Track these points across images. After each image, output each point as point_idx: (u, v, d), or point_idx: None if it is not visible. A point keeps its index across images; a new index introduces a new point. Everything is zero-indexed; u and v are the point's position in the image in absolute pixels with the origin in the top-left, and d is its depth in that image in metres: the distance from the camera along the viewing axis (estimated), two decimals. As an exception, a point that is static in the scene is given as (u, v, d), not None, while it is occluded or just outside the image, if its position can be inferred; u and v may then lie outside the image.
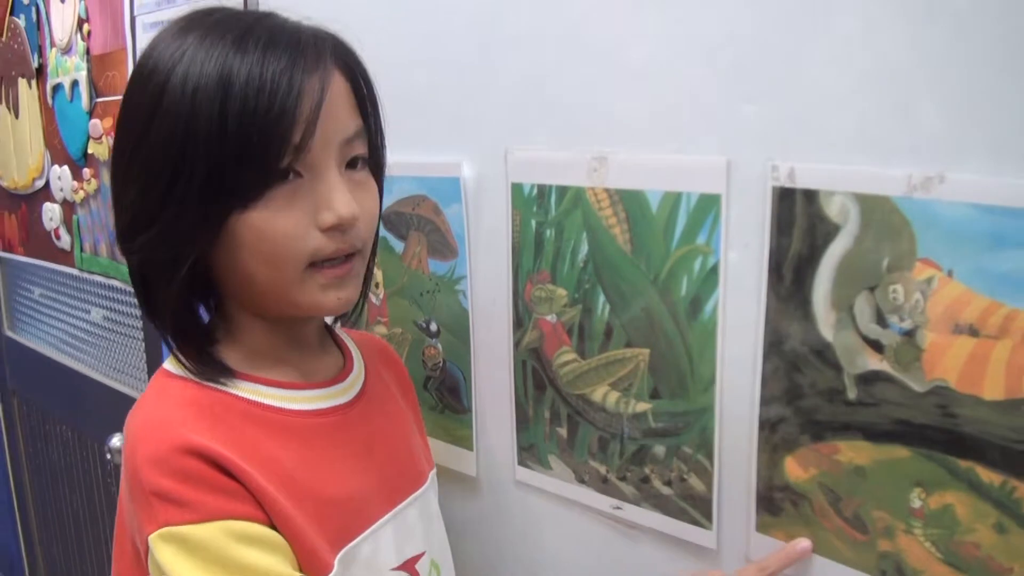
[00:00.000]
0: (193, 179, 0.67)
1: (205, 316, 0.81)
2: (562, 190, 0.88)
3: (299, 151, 0.69)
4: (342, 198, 0.71)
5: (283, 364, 0.80)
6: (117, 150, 0.73)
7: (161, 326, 0.77)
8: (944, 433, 0.67)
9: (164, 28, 0.73)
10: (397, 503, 0.83)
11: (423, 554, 0.85)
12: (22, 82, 1.89)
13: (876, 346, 0.69)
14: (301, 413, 0.78)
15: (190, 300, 0.77)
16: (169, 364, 0.78)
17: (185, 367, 0.76)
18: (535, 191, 0.91)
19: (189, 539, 0.66)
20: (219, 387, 0.75)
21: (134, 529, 0.71)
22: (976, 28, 0.61)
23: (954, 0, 0.62)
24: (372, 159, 0.78)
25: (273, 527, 0.71)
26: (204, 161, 0.67)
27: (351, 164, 0.74)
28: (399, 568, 0.82)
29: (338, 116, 0.72)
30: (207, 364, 0.76)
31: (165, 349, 0.81)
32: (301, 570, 0.71)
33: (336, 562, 0.74)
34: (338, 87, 0.72)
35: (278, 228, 0.70)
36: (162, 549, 0.67)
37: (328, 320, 0.90)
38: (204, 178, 0.67)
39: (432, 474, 0.92)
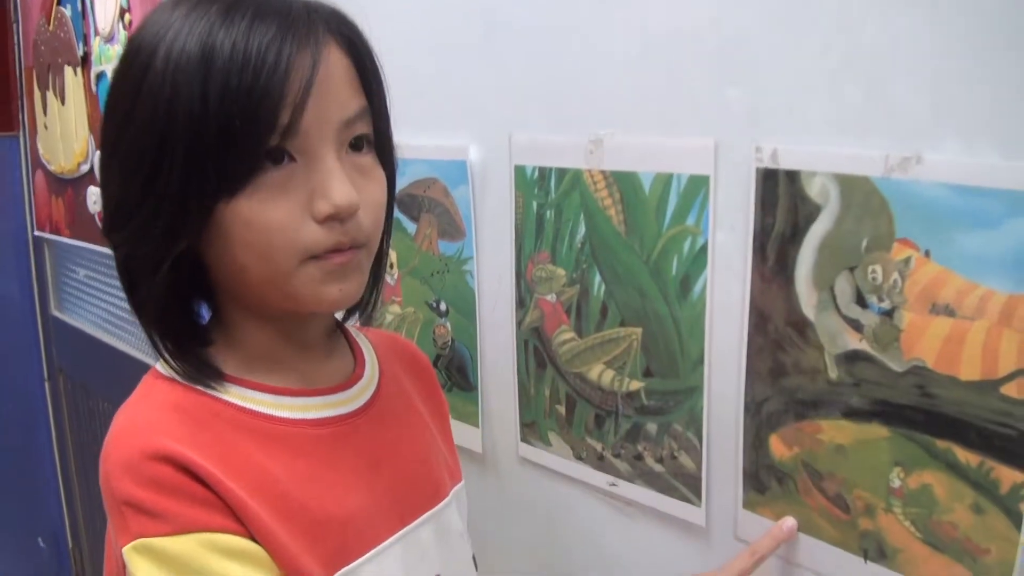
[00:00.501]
0: (175, 165, 0.61)
1: (207, 317, 0.75)
2: (561, 172, 0.90)
3: (288, 133, 0.62)
4: (340, 186, 0.63)
5: (282, 368, 0.73)
6: (103, 137, 0.68)
7: (146, 324, 0.70)
8: (922, 413, 0.67)
9: (155, 7, 0.67)
10: (408, 522, 0.76)
11: None
12: (68, 70, 1.96)
13: (856, 326, 0.70)
14: (297, 422, 0.71)
15: (184, 298, 0.71)
16: (160, 365, 0.71)
17: (173, 368, 0.69)
18: (536, 173, 0.93)
19: (164, 552, 0.62)
20: (209, 391, 0.69)
21: (112, 539, 0.66)
22: (951, 13, 0.62)
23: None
24: (379, 143, 0.70)
25: (255, 542, 0.65)
26: (186, 146, 0.61)
27: (354, 147, 0.67)
28: None
29: (336, 95, 0.65)
30: (195, 366, 0.69)
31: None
32: None
33: None
34: (336, 63, 0.65)
35: (269, 219, 0.63)
36: (136, 563, 0.62)
37: (341, 317, 0.83)
38: (186, 164, 0.61)
39: (456, 489, 0.83)
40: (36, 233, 2.33)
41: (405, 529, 0.75)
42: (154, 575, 0.61)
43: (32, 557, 2.52)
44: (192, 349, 0.70)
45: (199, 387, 0.69)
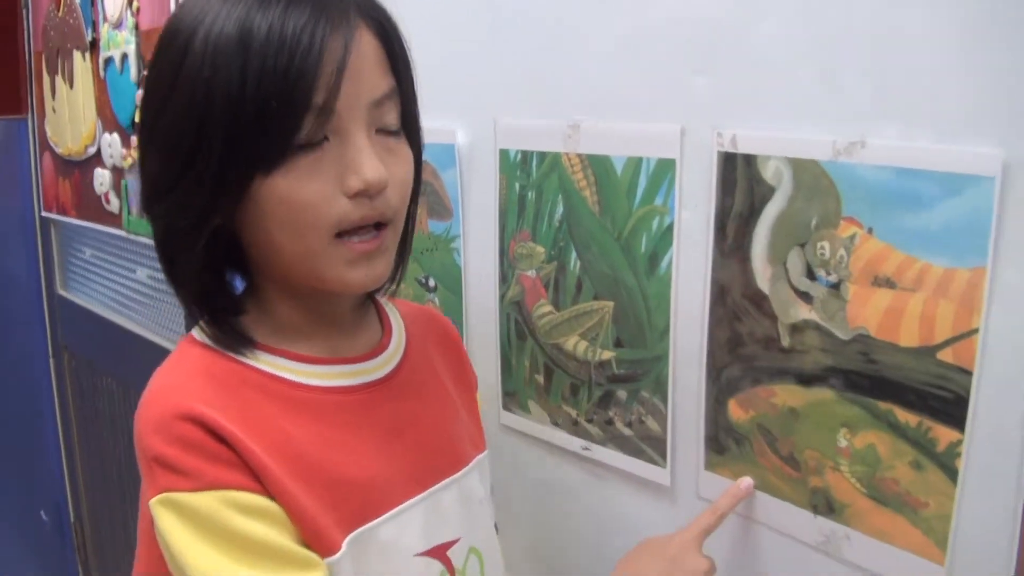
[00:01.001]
0: (214, 144, 0.64)
1: (241, 288, 0.79)
2: (542, 155, 0.96)
3: (323, 114, 0.65)
4: (369, 162, 0.66)
5: (310, 338, 0.76)
6: (142, 115, 0.71)
7: (183, 295, 0.74)
8: (866, 378, 0.73)
9: None
10: (429, 486, 0.78)
11: (457, 540, 0.81)
12: (77, 55, 2.01)
13: (806, 298, 0.76)
14: (322, 389, 0.75)
15: (218, 270, 0.75)
16: (195, 331, 0.75)
17: (207, 335, 0.74)
18: (519, 156, 0.98)
19: (186, 507, 0.65)
20: (239, 358, 0.73)
21: (143, 494, 0.70)
22: (892, 8, 0.67)
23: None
24: (407, 123, 0.73)
25: (274, 502, 0.68)
26: (224, 125, 0.64)
27: (383, 128, 0.70)
28: (425, 554, 0.78)
29: (366, 76, 0.67)
30: (228, 333, 0.73)
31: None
32: (304, 546, 0.69)
33: (345, 543, 0.71)
34: (367, 45, 0.67)
35: (303, 195, 0.66)
36: (161, 515, 0.66)
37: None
38: (224, 143, 0.64)
39: (479, 458, 0.86)
40: (43, 214, 2.38)
41: (425, 493, 0.78)
42: (177, 527, 0.65)
43: (34, 529, 2.59)
44: (225, 318, 0.74)
45: (230, 353, 0.73)
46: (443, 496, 0.80)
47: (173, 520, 0.65)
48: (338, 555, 0.70)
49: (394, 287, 0.82)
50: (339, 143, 0.66)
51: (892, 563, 0.74)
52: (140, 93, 1.75)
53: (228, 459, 0.67)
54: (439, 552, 0.79)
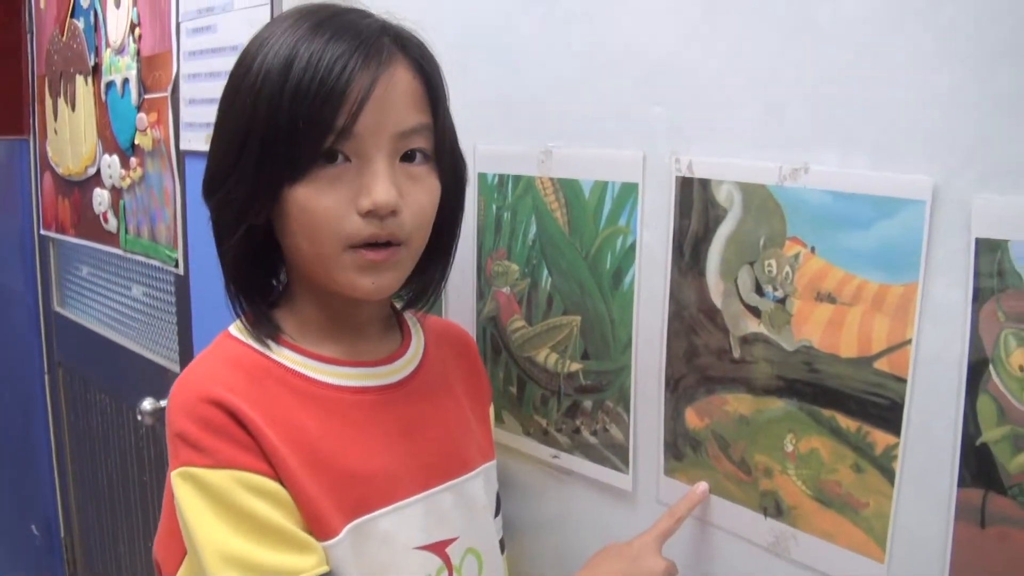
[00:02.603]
0: (252, 150, 0.73)
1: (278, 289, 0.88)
2: (517, 179, 1.02)
3: (343, 135, 0.72)
4: (382, 186, 0.73)
5: (331, 340, 0.83)
6: (215, 121, 0.80)
7: (225, 275, 0.82)
8: (810, 386, 0.78)
9: (276, 17, 0.82)
10: (431, 486, 0.84)
11: (456, 539, 0.86)
12: (79, 78, 2.08)
13: (755, 312, 0.81)
14: (339, 388, 0.82)
15: (261, 262, 0.83)
16: (232, 327, 0.84)
17: (241, 325, 0.82)
18: (496, 180, 1.04)
19: (203, 481, 0.73)
20: (267, 353, 0.81)
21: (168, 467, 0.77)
22: (828, 44, 0.73)
23: (815, 14, 0.74)
24: (440, 155, 0.80)
25: (282, 486, 0.75)
26: (262, 135, 0.73)
27: (407, 157, 0.77)
28: (425, 548, 0.84)
29: (395, 108, 0.75)
30: (261, 323, 0.82)
31: (211, 322, 0.88)
32: (305, 530, 0.75)
33: (346, 530, 0.77)
34: (401, 81, 0.75)
35: (320, 206, 0.74)
36: (180, 486, 0.74)
37: (401, 306, 0.94)
38: (260, 150, 0.73)
39: (485, 467, 0.92)
40: (42, 232, 2.44)
41: (427, 492, 0.84)
42: (191, 498, 0.73)
43: (25, 543, 2.61)
44: (259, 305, 0.83)
45: (259, 348, 0.81)
46: (444, 497, 0.86)
47: (189, 491, 0.73)
48: (336, 539, 0.76)
49: (427, 305, 0.91)
50: (359, 165, 0.74)
51: (836, 562, 0.78)
52: (140, 116, 1.82)
53: (245, 442, 0.74)
54: (438, 548, 0.85)
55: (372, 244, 0.76)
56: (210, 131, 0.81)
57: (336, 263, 0.76)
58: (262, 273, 0.85)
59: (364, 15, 0.78)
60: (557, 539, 1.05)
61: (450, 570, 0.86)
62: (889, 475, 0.73)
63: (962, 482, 0.69)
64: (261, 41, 0.76)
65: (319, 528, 0.76)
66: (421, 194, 0.78)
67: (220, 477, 0.73)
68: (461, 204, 0.88)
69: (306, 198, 0.74)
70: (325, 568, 0.75)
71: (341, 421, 0.81)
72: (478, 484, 0.90)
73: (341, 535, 0.77)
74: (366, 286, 0.77)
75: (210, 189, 0.80)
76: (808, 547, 0.80)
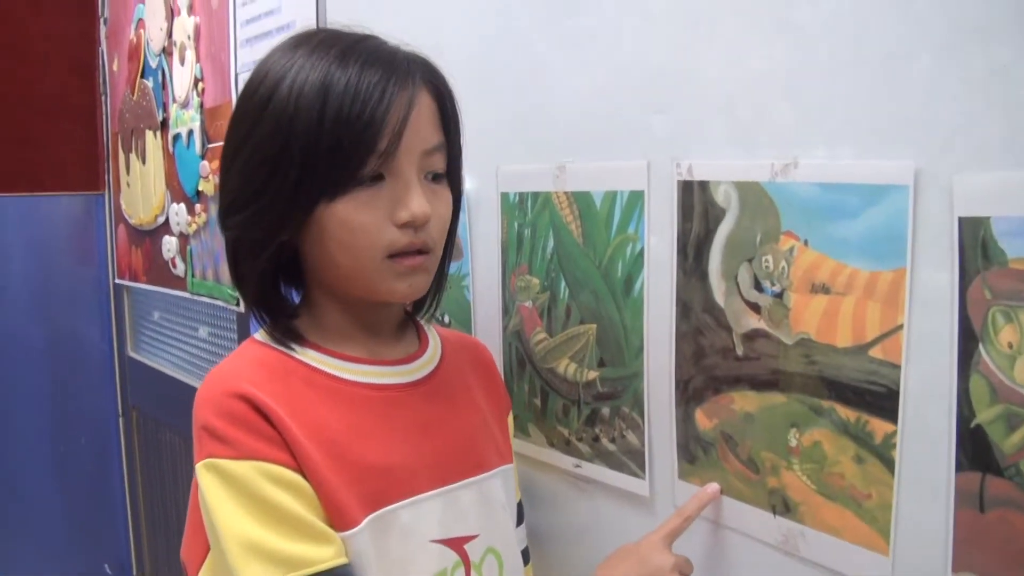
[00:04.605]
0: (290, 171, 0.77)
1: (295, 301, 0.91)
2: (536, 195, 1.05)
3: (384, 156, 0.77)
4: (417, 199, 0.79)
5: (353, 342, 0.87)
6: (226, 143, 0.84)
7: (245, 296, 0.87)
8: (810, 379, 0.79)
9: (275, 46, 0.84)
10: (449, 483, 0.87)
11: (475, 537, 0.88)
12: (149, 133, 2.21)
13: (755, 308, 0.83)
14: (357, 384, 0.85)
15: (277, 279, 0.87)
16: (258, 334, 0.88)
17: (266, 332, 0.86)
18: (517, 198, 1.08)
19: (227, 472, 0.75)
20: (290, 353, 0.84)
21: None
22: (811, 43, 0.76)
23: (796, 15, 0.77)
24: (451, 172, 0.86)
25: (304, 477, 0.78)
26: (301, 156, 0.76)
27: (430, 173, 0.83)
28: (442, 542, 0.86)
29: (422, 129, 0.80)
30: (282, 331, 0.86)
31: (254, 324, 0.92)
32: (326, 520, 0.78)
33: (367, 521, 0.80)
34: (425, 104, 0.81)
35: (360, 221, 0.78)
36: (204, 477, 0.77)
37: (412, 313, 0.97)
38: (299, 170, 0.77)
39: (504, 468, 0.94)
40: (117, 281, 2.57)
41: (445, 488, 0.87)
42: (214, 488, 0.76)
43: (99, 583, 2.71)
44: (281, 318, 0.87)
45: (282, 348, 0.85)
46: (462, 494, 0.88)
47: (213, 481, 0.76)
48: (356, 529, 0.79)
49: (431, 313, 0.96)
50: (394, 182, 0.80)
51: (843, 557, 0.78)
52: (203, 163, 1.92)
53: (268, 435, 0.77)
54: (456, 544, 0.87)
55: (406, 255, 0.81)
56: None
57: (376, 273, 0.81)
58: (277, 286, 0.89)
59: (384, 44, 0.83)
60: (582, 548, 1.06)
61: (467, 566, 0.87)
62: (889, 464, 0.73)
63: (959, 466, 0.69)
64: (282, 66, 0.80)
65: (339, 518, 0.78)
66: (442, 207, 0.84)
67: (243, 468, 0.76)
68: (458, 219, 0.92)
69: (346, 213, 0.78)
70: (344, 560, 0.77)
71: (362, 416, 0.84)
72: (496, 484, 0.92)
73: (361, 525, 0.79)
74: (403, 290, 0.83)
75: (232, 210, 0.83)
76: (816, 544, 0.80)
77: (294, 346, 0.85)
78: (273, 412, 0.78)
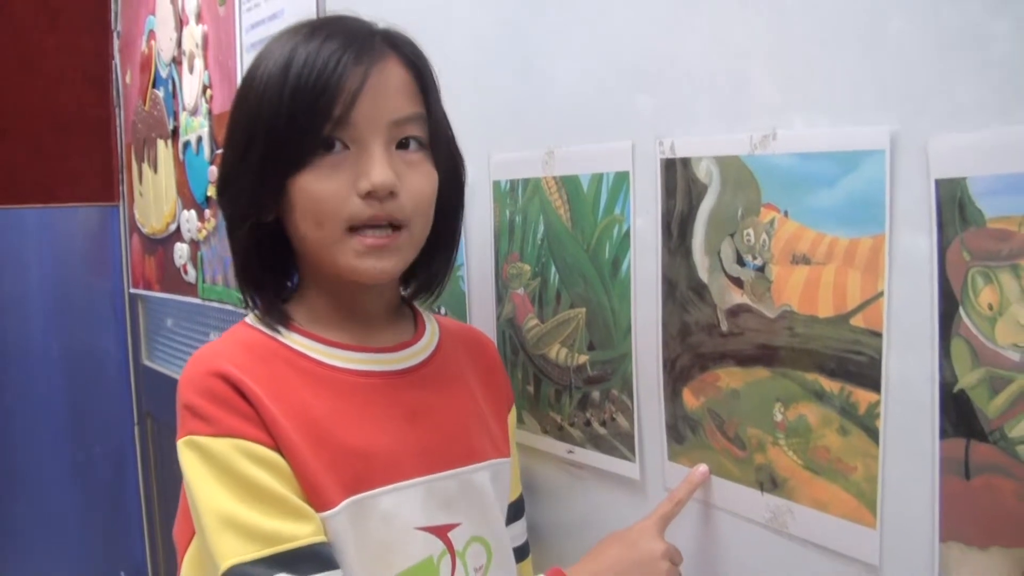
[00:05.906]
0: (257, 147, 0.80)
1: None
2: (526, 182, 1.06)
3: (340, 123, 0.78)
4: (379, 168, 0.79)
5: (340, 328, 0.87)
6: (226, 132, 0.87)
7: (236, 271, 0.89)
8: (792, 351, 0.78)
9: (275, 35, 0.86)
10: (435, 471, 0.86)
11: (458, 525, 0.87)
12: (160, 142, 2.24)
13: (738, 283, 0.82)
14: (342, 370, 0.85)
15: (270, 259, 0.88)
16: (248, 317, 0.89)
17: (256, 315, 0.87)
18: (508, 185, 1.08)
19: (206, 449, 0.77)
20: (276, 336, 0.85)
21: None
22: (790, 17, 0.76)
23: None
24: (435, 144, 0.86)
25: (282, 456, 0.78)
26: (265, 132, 0.79)
27: (403, 145, 0.82)
28: (426, 529, 0.85)
29: (388, 99, 0.81)
30: (270, 312, 0.87)
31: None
32: (304, 499, 0.78)
33: (344, 504, 0.80)
34: (393, 74, 0.81)
35: (322, 190, 0.79)
36: (184, 454, 0.78)
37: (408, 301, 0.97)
38: (264, 146, 0.79)
39: (496, 462, 0.92)
40: (131, 291, 2.60)
41: (430, 476, 0.86)
42: (194, 464, 0.77)
43: (115, 588, 2.73)
44: (269, 298, 0.88)
45: (269, 331, 0.86)
46: (447, 483, 0.87)
47: (192, 458, 0.77)
48: (334, 511, 0.79)
49: (432, 298, 0.96)
50: (357, 151, 0.80)
51: (831, 532, 0.77)
52: (212, 168, 1.94)
53: (247, 414, 0.78)
54: (440, 532, 0.86)
55: (373, 230, 0.81)
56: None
57: (339, 247, 0.81)
58: (274, 270, 0.90)
59: (356, 20, 0.84)
60: (576, 535, 1.05)
61: (452, 554, 0.87)
62: (874, 435, 0.72)
63: (944, 433, 0.68)
64: (263, 55, 0.83)
65: (317, 499, 0.79)
66: (418, 178, 0.83)
67: (221, 445, 0.77)
68: (461, 200, 0.92)
69: (309, 184, 0.79)
70: (322, 538, 0.78)
71: (344, 401, 0.84)
72: (485, 476, 0.91)
73: (339, 508, 0.79)
74: (367, 269, 0.82)
75: (222, 190, 0.87)
76: (804, 520, 0.79)
77: (280, 329, 0.86)
78: (251, 391, 0.79)
